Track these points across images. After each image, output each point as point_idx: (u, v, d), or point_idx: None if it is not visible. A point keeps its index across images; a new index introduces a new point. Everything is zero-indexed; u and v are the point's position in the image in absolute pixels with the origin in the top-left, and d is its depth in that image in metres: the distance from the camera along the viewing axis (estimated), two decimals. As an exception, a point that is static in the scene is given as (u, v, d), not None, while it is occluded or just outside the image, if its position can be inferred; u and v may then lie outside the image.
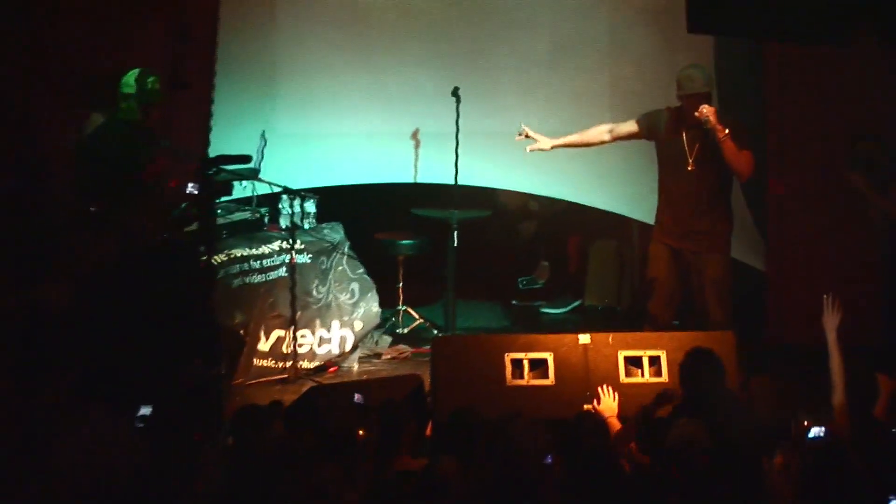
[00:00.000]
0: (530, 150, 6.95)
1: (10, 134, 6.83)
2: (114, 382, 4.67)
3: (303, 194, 7.33)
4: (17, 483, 3.77)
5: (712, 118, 6.36)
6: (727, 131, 6.35)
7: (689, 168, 6.53)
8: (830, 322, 5.33)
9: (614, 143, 6.89)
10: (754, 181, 7.51)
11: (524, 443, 4.13)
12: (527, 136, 6.92)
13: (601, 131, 6.86)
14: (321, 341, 7.22)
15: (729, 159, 6.40)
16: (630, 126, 6.77)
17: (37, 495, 3.75)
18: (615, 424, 5.32)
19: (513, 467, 4.02)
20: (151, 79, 6.58)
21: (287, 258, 7.01)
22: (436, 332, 7.74)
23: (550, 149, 6.93)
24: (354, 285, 7.38)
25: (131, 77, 6.56)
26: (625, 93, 7.86)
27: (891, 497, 3.64)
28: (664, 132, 6.63)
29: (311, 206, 7.38)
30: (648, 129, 6.71)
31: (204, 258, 5.79)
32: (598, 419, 5.36)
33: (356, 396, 4.89)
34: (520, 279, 9.15)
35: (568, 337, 5.99)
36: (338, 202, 7.91)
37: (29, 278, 5.41)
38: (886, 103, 7.38)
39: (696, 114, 6.38)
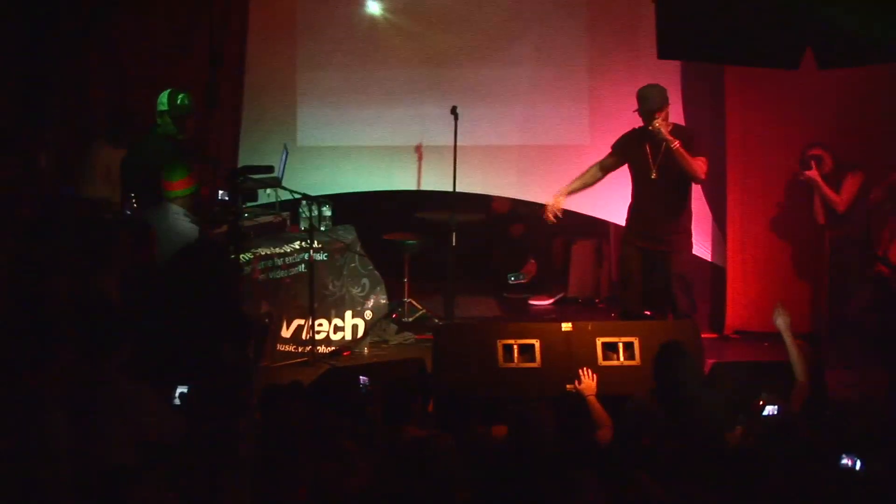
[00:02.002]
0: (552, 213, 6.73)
1: (72, 149, 6.88)
2: (157, 363, 4.69)
3: (320, 200, 7.34)
4: (79, 443, 3.82)
5: (664, 130, 6.35)
6: (678, 142, 6.34)
7: (653, 176, 6.49)
8: (783, 324, 5.35)
9: (606, 175, 6.76)
10: (715, 186, 7.55)
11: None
12: (554, 212, 6.73)
13: (594, 172, 6.74)
14: (336, 329, 7.23)
15: (683, 166, 6.37)
16: (610, 159, 6.71)
17: (97, 455, 3.80)
18: (594, 402, 5.34)
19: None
20: (181, 95, 6.67)
21: (306, 256, 7.02)
22: (436, 320, 7.74)
23: (566, 198, 6.78)
24: (365, 280, 7.39)
25: (164, 96, 6.66)
26: (604, 113, 7.87)
27: (843, 455, 3.65)
28: (632, 148, 6.61)
29: (327, 211, 7.38)
30: (622, 152, 6.65)
31: (233, 256, 5.80)
32: (579, 397, 5.42)
33: (362, 379, 4.88)
34: (509, 275, 9.14)
35: (553, 325, 6.00)
36: (350, 207, 7.91)
37: (86, 272, 5.43)
38: (828, 114, 7.44)
39: (650, 127, 6.38)
